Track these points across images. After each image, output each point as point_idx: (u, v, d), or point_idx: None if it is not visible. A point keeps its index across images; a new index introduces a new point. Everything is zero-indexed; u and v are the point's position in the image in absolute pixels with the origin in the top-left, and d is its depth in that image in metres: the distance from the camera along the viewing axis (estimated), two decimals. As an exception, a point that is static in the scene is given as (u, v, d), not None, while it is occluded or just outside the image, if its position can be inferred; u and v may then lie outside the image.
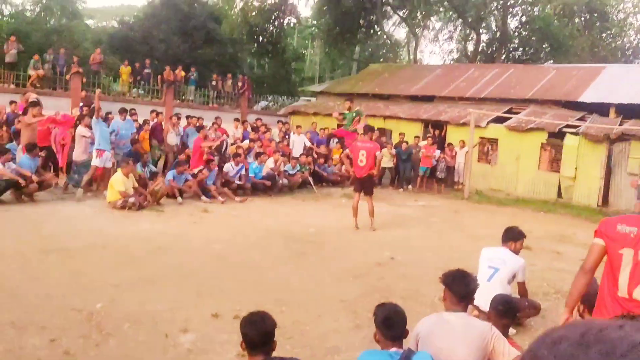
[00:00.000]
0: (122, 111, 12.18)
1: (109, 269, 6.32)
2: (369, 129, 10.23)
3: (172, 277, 6.23)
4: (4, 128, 11.23)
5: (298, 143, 16.09)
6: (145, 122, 13.62)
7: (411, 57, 35.76)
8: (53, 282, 5.72)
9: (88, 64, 21.09)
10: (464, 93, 19.62)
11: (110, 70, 26.11)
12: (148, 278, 6.10)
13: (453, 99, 19.61)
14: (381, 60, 37.22)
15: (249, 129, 16.19)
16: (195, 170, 11.82)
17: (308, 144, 16.16)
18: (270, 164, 13.44)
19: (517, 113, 17.20)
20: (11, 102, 12.36)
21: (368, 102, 21.64)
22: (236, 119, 17.14)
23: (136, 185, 10.27)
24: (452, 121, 17.62)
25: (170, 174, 11.47)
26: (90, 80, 20.26)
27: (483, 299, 4.36)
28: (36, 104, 10.46)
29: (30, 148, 10.01)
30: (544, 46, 30.62)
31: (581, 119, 15.91)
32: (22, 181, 9.33)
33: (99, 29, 37.66)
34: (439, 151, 16.35)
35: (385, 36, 35.35)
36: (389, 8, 31.18)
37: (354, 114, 13.00)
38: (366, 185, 9.73)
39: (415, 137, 17.05)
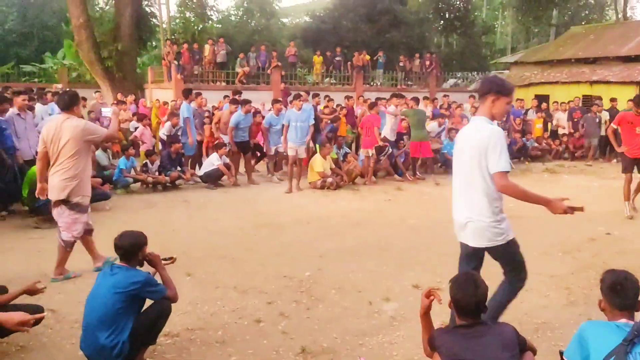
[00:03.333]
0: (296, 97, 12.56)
1: (314, 242, 6.75)
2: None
3: (371, 249, 6.42)
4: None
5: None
6: (341, 107, 14.17)
7: (619, 15, 31.58)
8: (267, 253, 6.29)
9: (285, 58, 22.68)
10: (693, 47, 16.79)
11: (305, 63, 27.76)
12: (349, 250, 6.38)
13: (677, 56, 16.91)
14: (583, 23, 33.59)
15: (439, 106, 15.86)
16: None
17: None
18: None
19: None
20: (225, 97, 13.89)
21: (571, 67, 19.78)
22: (425, 98, 16.98)
23: (333, 166, 10.77)
24: (678, 81, 15.20)
25: (362, 154, 11.78)
26: (288, 73, 21.78)
27: None
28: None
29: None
30: None
31: None
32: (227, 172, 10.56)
33: (293, 25, 40.20)
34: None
35: (587, -5, 31.80)
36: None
37: None
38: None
39: (629, 101, 15.01)
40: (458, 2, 30.67)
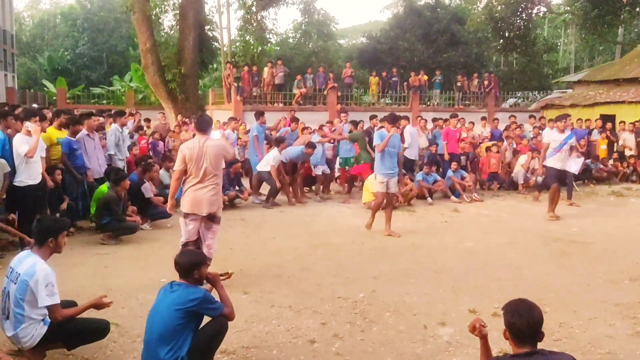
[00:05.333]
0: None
1: (368, 263, 6.74)
2: None
3: (426, 272, 6.35)
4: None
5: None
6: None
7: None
8: (321, 273, 6.33)
9: (341, 79, 22.92)
10: None
11: (361, 84, 27.95)
12: (404, 272, 6.32)
13: None
14: (650, 41, 32.28)
15: (500, 127, 15.51)
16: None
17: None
18: (521, 161, 12.73)
19: None
20: (283, 118, 14.17)
21: (638, 87, 18.98)
22: (483, 118, 16.71)
23: (388, 186, 10.72)
24: None
25: (419, 175, 11.70)
26: (344, 94, 21.97)
27: None
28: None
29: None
30: None
31: None
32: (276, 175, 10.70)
33: (350, 47, 40.62)
34: None
35: (656, 11, 30.45)
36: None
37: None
38: None
39: None
40: (518, 21, 29.95)
